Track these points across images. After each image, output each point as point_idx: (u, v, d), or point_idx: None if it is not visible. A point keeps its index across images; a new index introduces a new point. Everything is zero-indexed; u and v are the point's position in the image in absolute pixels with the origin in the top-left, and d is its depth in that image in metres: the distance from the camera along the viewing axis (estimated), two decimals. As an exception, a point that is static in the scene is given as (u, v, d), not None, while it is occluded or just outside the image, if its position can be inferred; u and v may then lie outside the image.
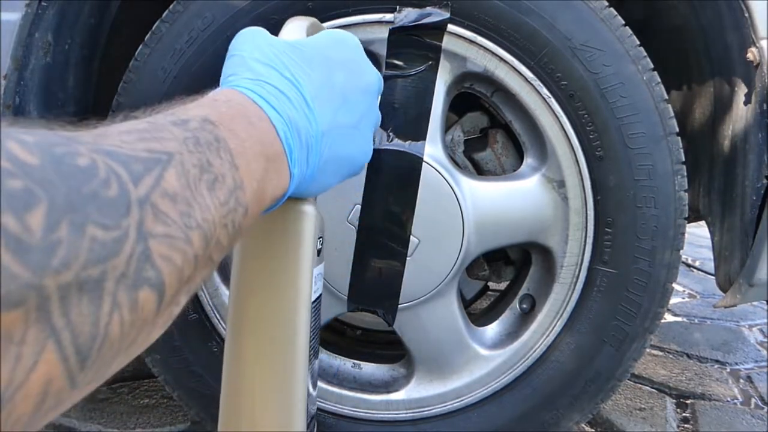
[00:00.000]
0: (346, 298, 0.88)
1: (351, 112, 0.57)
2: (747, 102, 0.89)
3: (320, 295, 0.67)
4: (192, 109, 0.43)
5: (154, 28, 0.84)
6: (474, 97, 0.91)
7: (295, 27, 0.65)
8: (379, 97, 0.64)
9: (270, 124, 0.48)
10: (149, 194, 0.32)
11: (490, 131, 0.95)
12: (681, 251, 0.87)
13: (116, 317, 0.29)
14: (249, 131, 0.45)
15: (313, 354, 0.62)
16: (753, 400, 1.39)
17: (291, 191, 0.51)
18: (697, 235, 2.58)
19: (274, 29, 0.80)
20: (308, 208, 0.58)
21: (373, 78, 0.61)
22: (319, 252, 0.63)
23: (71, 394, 0.29)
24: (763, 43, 0.83)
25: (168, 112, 0.41)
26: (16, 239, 0.24)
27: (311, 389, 0.62)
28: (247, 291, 0.58)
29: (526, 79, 0.84)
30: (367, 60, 0.63)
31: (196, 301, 0.90)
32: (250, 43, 0.55)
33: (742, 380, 1.50)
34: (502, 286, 1.10)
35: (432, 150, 0.85)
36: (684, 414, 1.31)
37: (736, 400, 1.38)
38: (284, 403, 0.58)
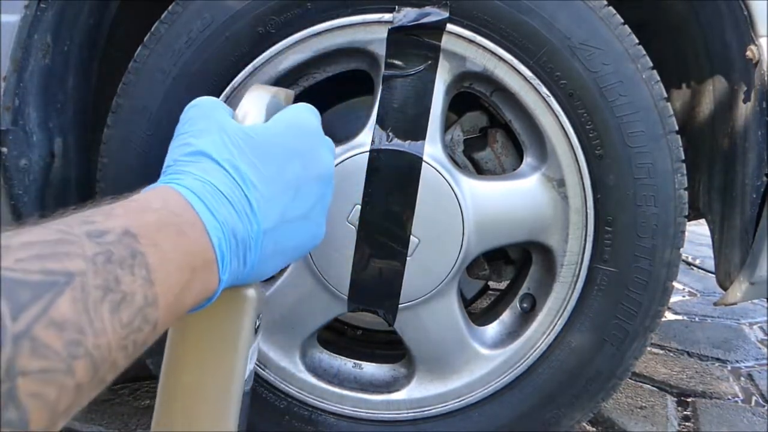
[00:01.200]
0: (346, 298, 0.88)
1: (303, 203, 0.56)
2: (746, 100, 0.89)
3: (253, 368, 0.65)
4: (116, 216, 0.41)
5: (153, 29, 0.84)
6: (473, 97, 0.91)
7: (255, 103, 0.61)
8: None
9: (204, 231, 0.46)
10: (31, 327, 0.31)
11: (490, 131, 0.95)
12: (681, 249, 0.87)
13: None
14: (176, 242, 0.43)
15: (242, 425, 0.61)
16: (754, 398, 1.39)
17: (219, 293, 0.49)
18: (698, 233, 2.58)
19: (273, 30, 0.80)
20: (248, 293, 0.56)
21: (328, 162, 0.60)
22: (257, 330, 0.61)
23: None
24: (762, 41, 0.83)
25: (89, 216, 0.39)
26: None
27: None
28: (181, 365, 0.56)
29: (525, 79, 0.84)
30: (324, 140, 0.62)
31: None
32: (202, 123, 0.53)
33: (743, 378, 1.50)
34: (503, 285, 1.10)
35: (432, 150, 0.85)
36: (685, 412, 1.31)
37: (737, 398, 1.38)
38: None
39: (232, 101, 0.84)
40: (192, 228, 0.45)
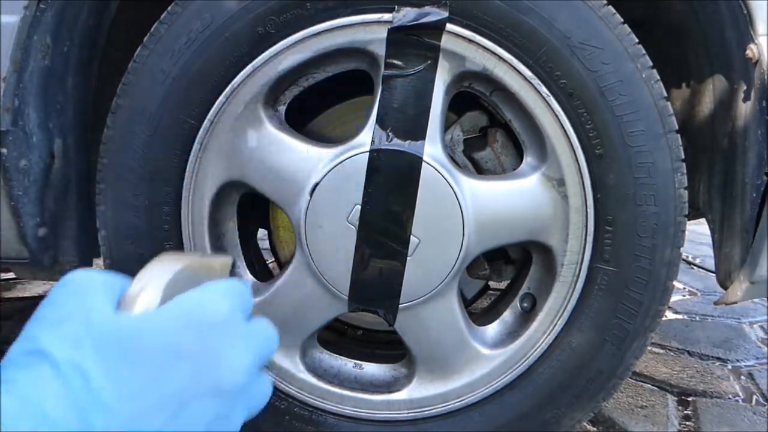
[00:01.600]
0: (346, 298, 0.88)
1: (190, 424, 0.41)
2: (746, 99, 0.89)
3: None
4: None
5: (152, 29, 0.84)
6: (473, 97, 0.91)
7: (151, 281, 0.45)
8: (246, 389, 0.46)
9: None
10: None
11: (490, 130, 0.95)
12: (681, 249, 0.87)
13: None
14: None
15: None
16: (754, 397, 1.39)
17: None
18: (698, 233, 2.58)
19: (272, 30, 0.80)
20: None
21: (239, 368, 0.43)
22: None
23: None
24: (762, 39, 0.83)
25: None
26: None
27: None
28: None
29: (525, 78, 0.84)
30: (238, 337, 0.44)
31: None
32: (66, 307, 0.41)
33: (743, 377, 1.50)
34: (503, 285, 1.10)
35: (432, 149, 0.84)
36: (686, 411, 1.31)
37: (737, 398, 1.38)
38: None
39: (231, 102, 0.84)
40: None
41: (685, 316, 1.94)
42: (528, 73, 0.83)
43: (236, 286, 0.47)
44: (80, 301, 0.41)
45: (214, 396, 0.42)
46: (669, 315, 1.93)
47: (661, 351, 1.63)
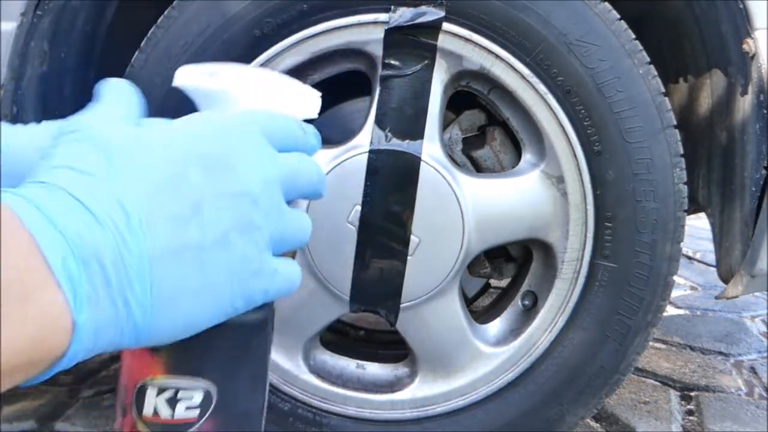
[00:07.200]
0: (347, 299, 0.88)
1: (209, 226, 0.39)
2: (744, 93, 0.89)
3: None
4: None
5: (149, 33, 0.84)
6: (471, 95, 0.91)
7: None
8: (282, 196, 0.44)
9: (33, 248, 0.32)
10: None
11: (488, 129, 0.95)
12: (681, 243, 0.88)
13: None
14: None
15: None
16: (757, 391, 1.39)
17: (78, 351, 0.34)
18: (698, 227, 2.58)
19: (270, 33, 0.80)
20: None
21: (259, 178, 0.41)
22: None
23: None
24: (759, 33, 0.83)
25: None
26: None
27: None
28: None
29: (522, 76, 0.84)
30: (261, 150, 0.43)
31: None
32: (86, 116, 0.42)
33: (745, 371, 1.50)
34: (504, 283, 1.10)
35: (430, 149, 0.85)
36: (689, 406, 1.31)
37: (740, 392, 1.38)
38: None
39: (230, 104, 0.84)
40: (16, 245, 0.31)
41: (687, 311, 1.94)
42: (525, 71, 0.83)
43: (275, 116, 0.46)
44: (101, 109, 0.43)
45: (233, 199, 0.40)
46: (670, 310, 1.94)
47: (663, 346, 1.63)
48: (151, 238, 0.36)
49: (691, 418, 1.26)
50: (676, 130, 0.85)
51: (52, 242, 0.32)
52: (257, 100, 0.48)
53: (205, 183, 0.39)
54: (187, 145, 0.40)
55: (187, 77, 0.47)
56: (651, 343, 1.56)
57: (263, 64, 0.83)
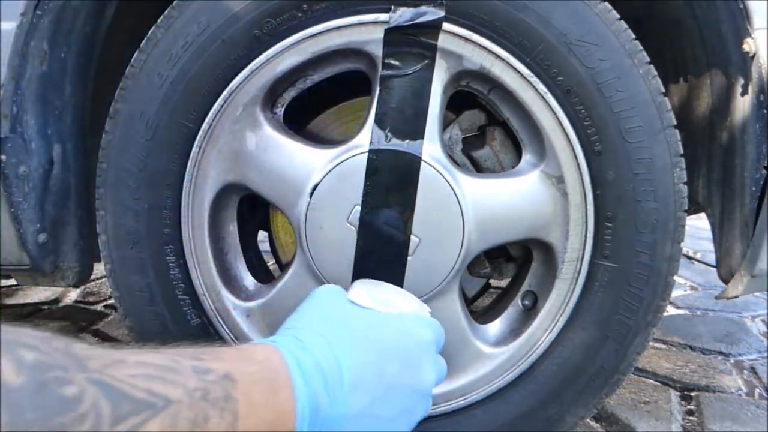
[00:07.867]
0: (348, 299, 0.88)
1: (388, 407, 0.55)
2: (744, 93, 0.89)
3: None
4: (222, 359, 0.45)
5: (149, 33, 0.84)
6: (471, 95, 0.91)
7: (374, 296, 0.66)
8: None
9: (291, 396, 0.48)
10: None
11: (488, 129, 0.95)
12: (681, 244, 0.88)
13: None
14: (268, 398, 0.46)
15: None
16: (757, 391, 1.39)
17: None
18: (698, 227, 2.58)
19: (269, 33, 0.81)
20: None
21: (428, 380, 0.60)
22: None
23: None
24: (759, 33, 0.83)
25: (200, 353, 0.43)
26: None
27: None
28: None
29: (522, 76, 0.84)
30: (432, 358, 0.62)
31: (198, 306, 0.90)
32: (322, 305, 0.61)
33: (745, 371, 1.50)
34: (504, 283, 1.10)
35: (430, 149, 0.85)
36: (689, 406, 1.31)
37: (740, 392, 1.38)
38: None
39: (230, 104, 0.84)
40: (284, 389, 0.47)
41: (687, 311, 1.94)
42: (525, 70, 0.83)
43: (434, 323, 0.67)
44: (329, 304, 0.60)
45: (410, 393, 0.57)
46: (670, 310, 1.94)
47: (663, 346, 1.63)
48: (353, 403, 0.52)
49: (691, 418, 1.26)
50: (676, 130, 0.85)
51: (302, 393, 0.48)
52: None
53: (399, 375, 0.56)
54: (395, 342, 0.58)
55: (365, 301, 0.65)
56: (651, 343, 1.56)
57: (263, 64, 0.83)
